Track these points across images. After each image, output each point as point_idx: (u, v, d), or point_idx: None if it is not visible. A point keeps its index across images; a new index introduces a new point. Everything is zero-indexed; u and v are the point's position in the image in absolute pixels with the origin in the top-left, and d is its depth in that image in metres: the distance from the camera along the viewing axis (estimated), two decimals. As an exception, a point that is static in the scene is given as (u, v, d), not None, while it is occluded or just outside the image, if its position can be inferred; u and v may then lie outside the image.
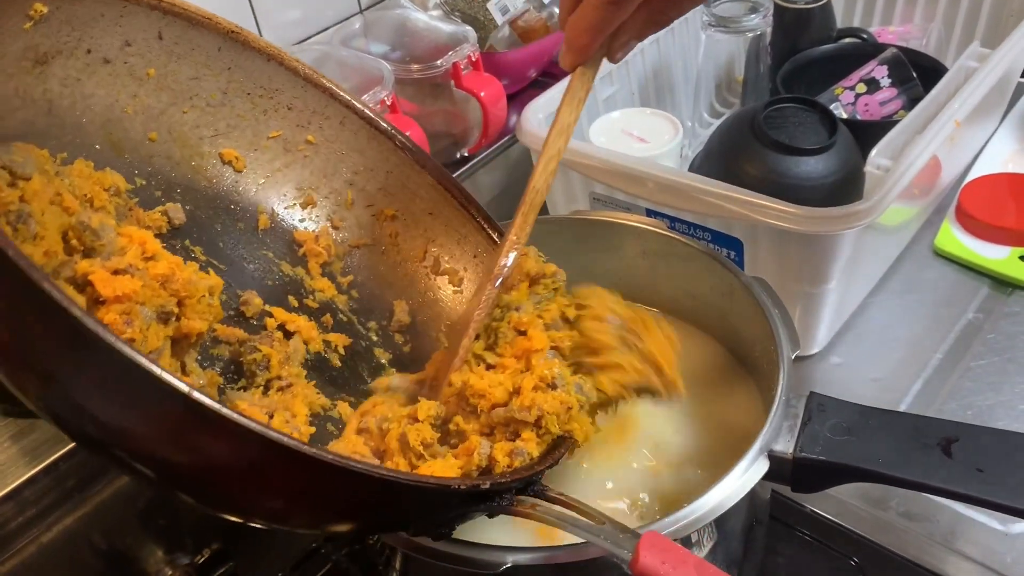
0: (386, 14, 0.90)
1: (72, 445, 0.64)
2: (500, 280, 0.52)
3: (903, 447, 0.47)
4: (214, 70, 0.56)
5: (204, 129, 0.57)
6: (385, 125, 0.61)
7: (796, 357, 0.75)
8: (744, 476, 0.47)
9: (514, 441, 0.47)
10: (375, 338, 0.59)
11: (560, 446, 0.48)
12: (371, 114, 0.60)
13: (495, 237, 0.60)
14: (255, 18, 0.84)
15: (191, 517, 0.74)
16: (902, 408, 0.72)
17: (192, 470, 0.39)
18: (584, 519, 0.43)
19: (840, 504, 0.65)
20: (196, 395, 0.33)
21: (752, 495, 0.50)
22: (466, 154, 0.89)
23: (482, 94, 0.83)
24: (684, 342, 0.65)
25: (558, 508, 0.45)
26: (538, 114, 0.80)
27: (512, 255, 0.53)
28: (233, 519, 0.43)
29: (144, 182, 0.54)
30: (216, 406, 0.34)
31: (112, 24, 0.51)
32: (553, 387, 0.48)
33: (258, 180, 0.59)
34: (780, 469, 0.48)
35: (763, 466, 0.47)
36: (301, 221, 0.60)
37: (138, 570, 0.72)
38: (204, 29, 0.55)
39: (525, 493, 0.45)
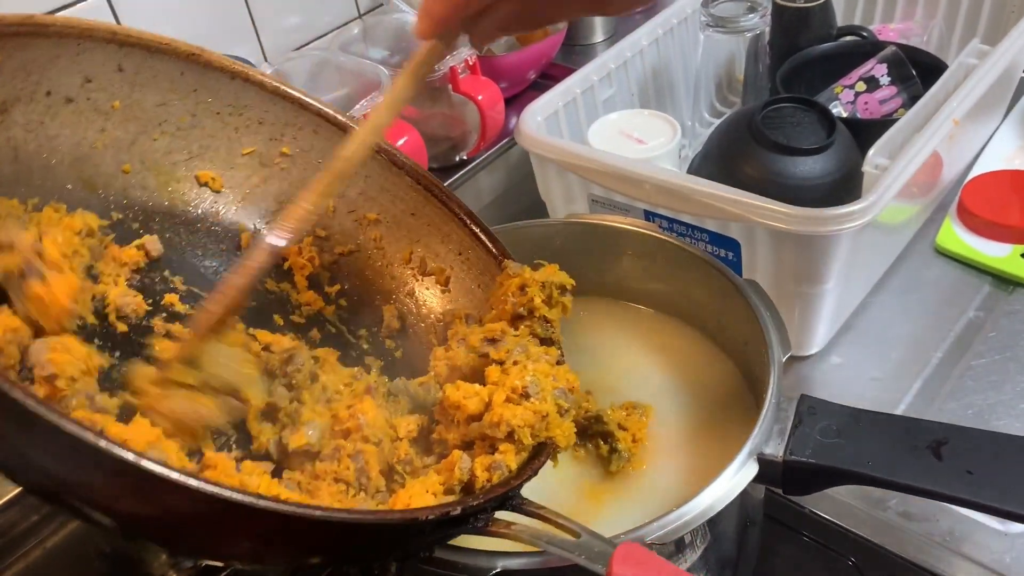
0: (384, 19, 0.91)
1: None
2: (280, 242, 0.49)
3: (893, 449, 0.47)
4: (180, 94, 0.56)
5: (177, 154, 0.57)
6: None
7: (795, 357, 0.77)
8: (733, 479, 0.47)
9: (493, 454, 0.47)
10: (366, 346, 0.59)
11: (541, 454, 0.48)
12: (343, 119, 0.60)
13: (478, 232, 0.59)
14: (254, 25, 0.84)
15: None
16: (902, 407, 0.72)
17: (151, 523, 0.39)
18: (560, 534, 0.43)
19: (839, 504, 0.65)
20: (145, 463, 0.33)
21: (744, 496, 0.50)
22: (465, 157, 0.89)
23: (479, 98, 0.83)
24: (680, 343, 0.67)
25: (535, 524, 0.44)
26: (536, 116, 0.81)
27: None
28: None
29: (120, 216, 0.54)
30: (159, 469, 0.34)
31: (69, 63, 0.51)
32: (526, 396, 0.47)
33: (237, 198, 0.59)
34: (770, 472, 0.48)
35: (752, 469, 0.47)
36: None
37: (142, 573, 0.73)
38: (163, 55, 0.54)
39: (503, 508, 0.45)
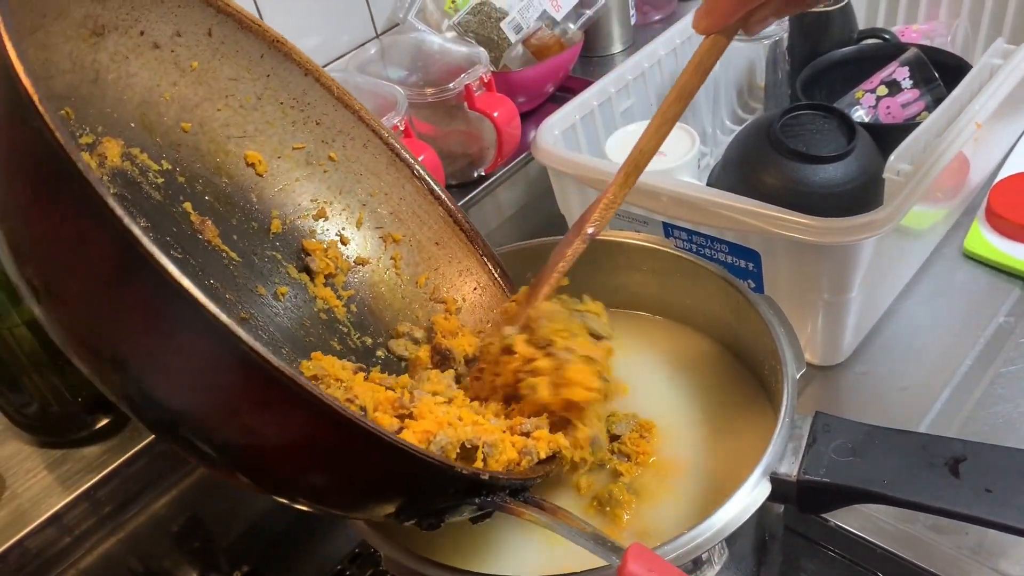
0: (401, 38, 0.92)
1: (107, 472, 0.66)
2: (592, 233, 0.55)
3: (909, 467, 0.46)
4: (253, 74, 0.58)
5: (233, 128, 0.59)
6: (406, 155, 0.63)
7: (820, 368, 0.76)
8: (747, 499, 0.47)
9: (526, 437, 0.48)
10: (380, 354, 0.61)
11: (551, 460, 0.50)
12: (394, 142, 0.63)
13: (496, 274, 0.63)
14: (273, 48, 0.85)
15: (224, 540, 0.76)
16: (930, 417, 0.71)
17: (251, 444, 0.40)
18: (576, 524, 0.45)
19: (865, 518, 0.64)
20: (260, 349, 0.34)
21: (761, 513, 0.49)
22: (483, 173, 0.89)
23: (495, 114, 0.83)
24: (698, 355, 0.66)
25: (548, 514, 0.45)
26: (553, 131, 0.81)
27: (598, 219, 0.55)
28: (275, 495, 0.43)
29: (170, 166, 0.56)
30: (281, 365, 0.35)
31: (168, 12, 0.54)
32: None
33: (276, 186, 0.61)
34: (784, 491, 0.48)
35: (766, 489, 0.47)
36: (311, 232, 0.62)
37: (173, 592, 0.74)
38: (252, 34, 0.57)
39: (516, 498, 0.46)
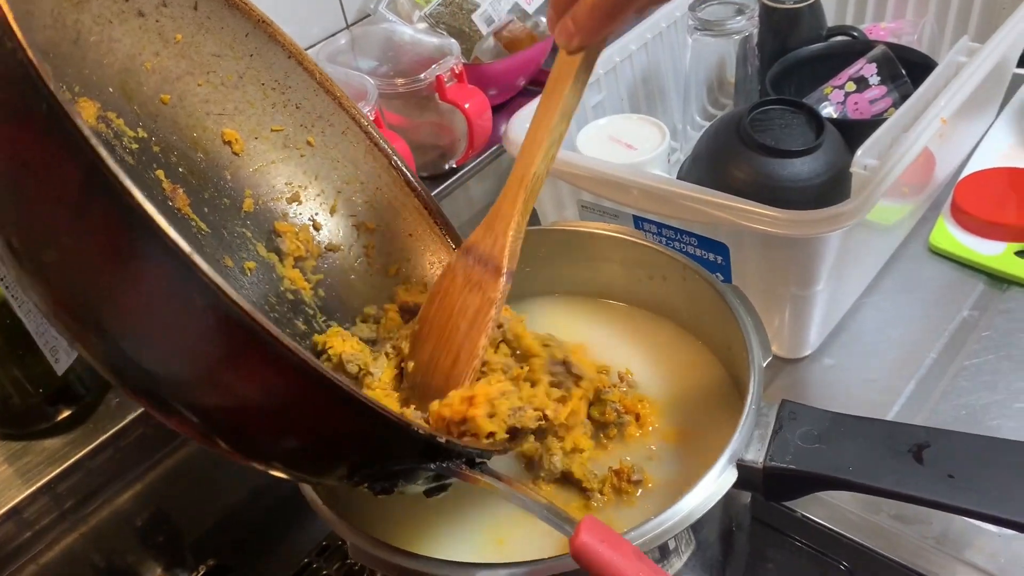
0: (372, 29, 0.91)
1: (68, 464, 0.65)
2: (509, 271, 0.52)
3: (874, 454, 0.47)
4: (237, 53, 0.58)
5: (212, 105, 0.58)
6: (384, 144, 0.63)
7: (788, 360, 0.76)
8: (713, 486, 0.47)
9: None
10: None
11: (515, 438, 0.50)
12: (373, 131, 0.62)
13: None
14: (242, 38, 0.85)
15: (189, 534, 0.75)
16: (896, 408, 0.71)
17: (230, 403, 0.40)
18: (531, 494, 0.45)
19: (830, 508, 0.65)
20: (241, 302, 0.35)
21: (728, 501, 0.50)
22: (454, 165, 0.89)
23: (466, 106, 0.83)
24: (667, 342, 0.66)
25: (503, 484, 0.46)
26: (525, 123, 0.80)
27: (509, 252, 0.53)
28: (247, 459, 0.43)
29: (146, 135, 0.55)
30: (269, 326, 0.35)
31: None
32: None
33: (252, 166, 0.60)
34: (750, 478, 0.48)
35: (732, 475, 0.47)
36: (284, 214, 0.61)
37: (137, 587, 0.73)
38: (238, 11, 0.57)
39: (472, 467, 0.46)
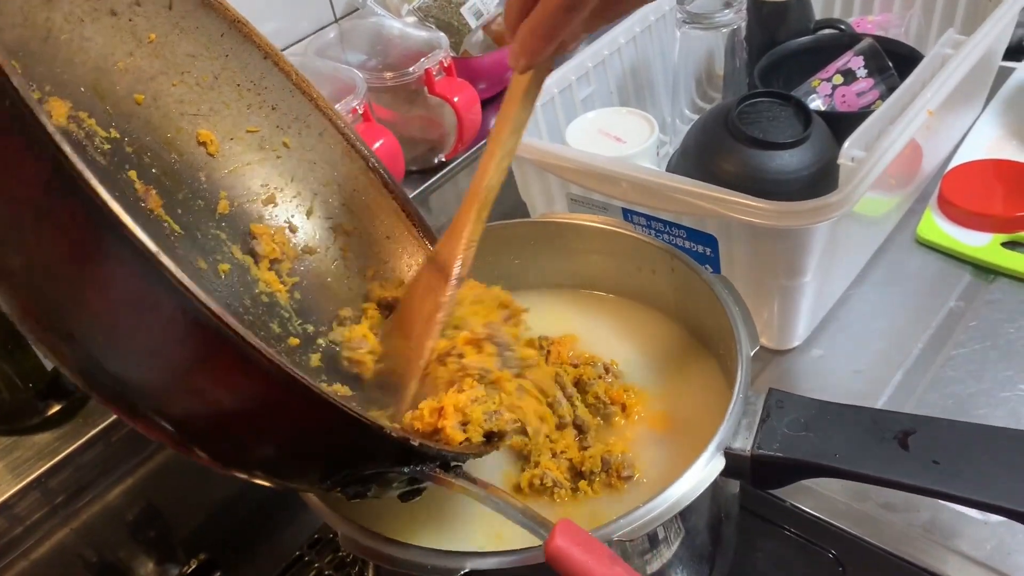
0: (361, 23, 0.91)
1: (59, 459, 0.65)
2: (459, 275, 0.53)
3: (860, 441, 0.47)
4: (212, 53, 0.58)
5: (187, 106, 0.58)
6: (361, 146, 0.62)
7: (777, 351, 0.77)
8: (701, 474, 0.47)
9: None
10: (321, 342, 0.59)
11: (490, 442, 0.50)
12: (350, 133, 0.62)
13: None
14: (230, 32, 0.84)
15: (180, 529, 0.75)
16: (883, 399, 0.72)
17: (206, 412, 0.40)
18: (506, 498, 0.45)
19: (819, 497, 0.65)
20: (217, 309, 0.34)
21: (716, 490, 0.50)
22: (444, 159, 0.89)
23: (455, 99, 0.83)
24: (656, 335, 0.67)
25: (479, 487, 0.46)
26: (513, 118, 0.81)
27: (462, 259, 0.53)
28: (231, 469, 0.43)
29: (119, 136, 0.54)
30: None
31: None
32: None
33: (227, 167, 0.60)
34: (738, 466, 0.48)
35: (720, 463, 0.47)
36: (259, 216, 0.61)
37: (128, 582, 0.73)
38: (213, 11, 0.57)
39: (447, 470, 0.46)
